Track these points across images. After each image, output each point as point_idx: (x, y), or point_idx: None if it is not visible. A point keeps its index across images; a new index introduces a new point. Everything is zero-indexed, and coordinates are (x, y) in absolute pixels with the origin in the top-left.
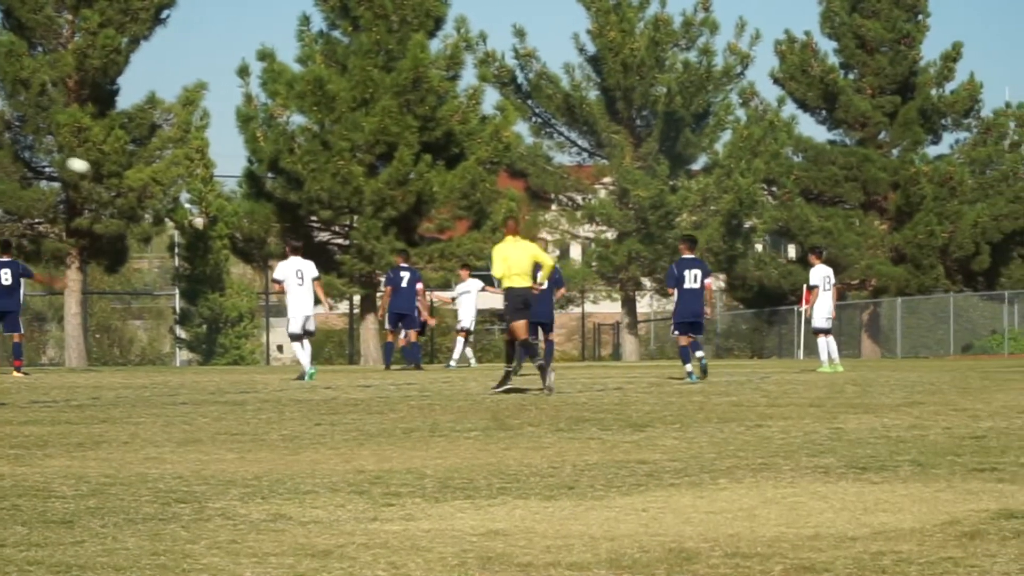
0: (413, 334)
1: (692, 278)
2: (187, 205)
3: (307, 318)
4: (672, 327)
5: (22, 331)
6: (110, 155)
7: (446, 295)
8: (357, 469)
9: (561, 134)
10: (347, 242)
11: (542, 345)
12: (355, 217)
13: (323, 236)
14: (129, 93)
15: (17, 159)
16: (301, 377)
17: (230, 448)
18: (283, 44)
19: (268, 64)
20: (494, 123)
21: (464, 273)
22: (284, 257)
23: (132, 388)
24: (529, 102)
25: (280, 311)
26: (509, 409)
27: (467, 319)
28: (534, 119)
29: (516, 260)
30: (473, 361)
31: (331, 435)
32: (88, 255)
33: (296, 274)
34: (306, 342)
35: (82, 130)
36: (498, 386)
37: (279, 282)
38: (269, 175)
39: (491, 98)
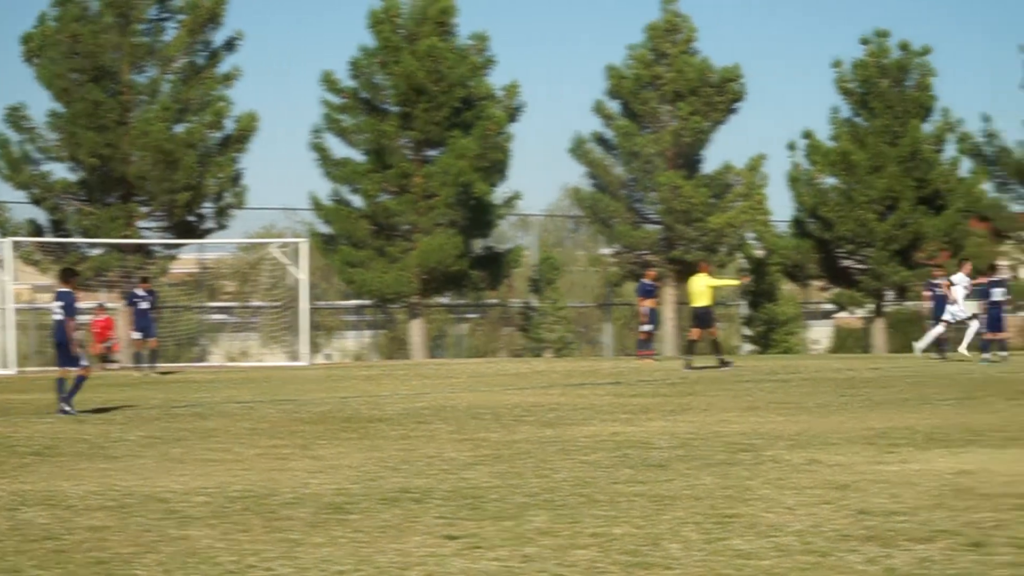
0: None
1: None
2: (751, 241)
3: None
4: None
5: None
6: (697, 205)
7: None
8: (867, 427)
9: (1014, 190)
10: (864, 267)
11: None
12: (869, 249)
13: (847, 263)
14: (711, 161)
15: (629, 209)
16: None
17: (778, 413)
18: (820, 127)
19: (810, 141)
20: (968, 183)
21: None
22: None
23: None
24: (992, 167)
25: (815, 315)
26: (976, 384)
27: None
28: (996, 179)
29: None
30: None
31: (850, 403)
32: (680, 277)
33: None
34: None
35: (676, 187)
36: None
37: None
38: (810, 220)
39: (966, 165)
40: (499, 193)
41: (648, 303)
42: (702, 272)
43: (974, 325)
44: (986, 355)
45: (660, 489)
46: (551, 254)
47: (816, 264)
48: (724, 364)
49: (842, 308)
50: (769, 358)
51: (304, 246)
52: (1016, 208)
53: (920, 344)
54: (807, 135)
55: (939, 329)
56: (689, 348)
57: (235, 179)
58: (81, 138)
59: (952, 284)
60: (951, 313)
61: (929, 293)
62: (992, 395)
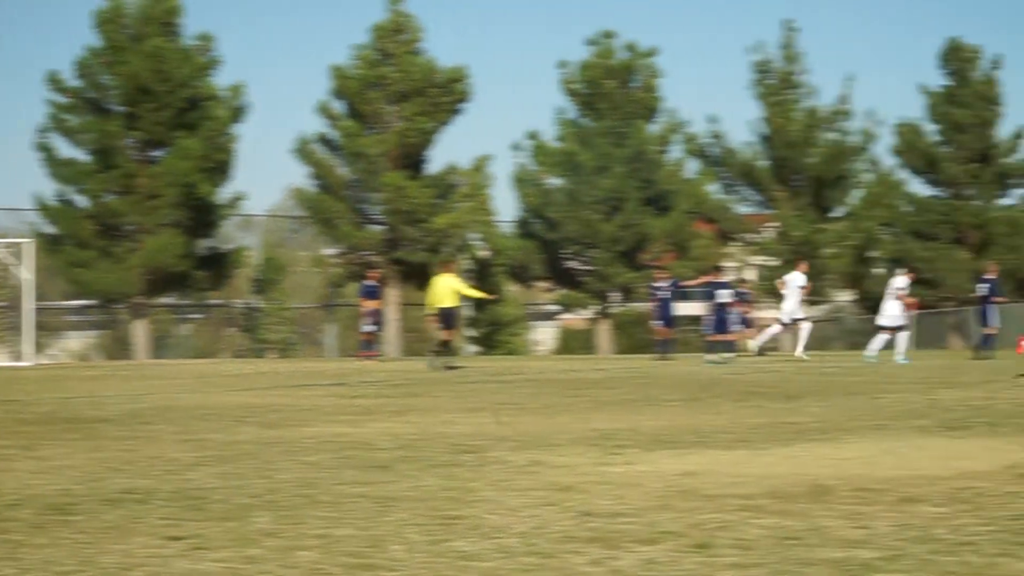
0: None
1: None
2: (476, 242)
3: None
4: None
5: None
6: (421, 206)
7: None
8: (592, 428)
9: (740, 191)
10: (589, 268)
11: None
12: (594, 250)
13: (572, 264)
14: (436, 162)
15: (353, 210)
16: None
17: (503, 414)
18: (545, 128)
19: (536, 142)
20: (694, 184)
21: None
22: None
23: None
24: (718, 168)
25: (539, 316)
26: (702, 385)
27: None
28: (722, 181)
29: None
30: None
31: (575, 404)
32: (405, 278)
33: None
34: None
35: (400, 188)
36: None
37: None
38: (535, 220)
39: (692, 166)
40: (223, 194)
41: (371, 304)
42: (447, 272)
43: (807, 327)
44: (711, 356)
45: (383, 490)
46: (274, 255)
47: (541, 265)
48: (450, 368)
49: (567, 309)
50: (493, 359)
51: (29, 246)
52: (742, 209)
53: (755, 343)
54: (532, 136)
55: (776, 329)
56: (442, 348)
57: None
58: None
59: (786, 283)
60: (787, 313)
61: (653, 294)
62: (718, 396)
